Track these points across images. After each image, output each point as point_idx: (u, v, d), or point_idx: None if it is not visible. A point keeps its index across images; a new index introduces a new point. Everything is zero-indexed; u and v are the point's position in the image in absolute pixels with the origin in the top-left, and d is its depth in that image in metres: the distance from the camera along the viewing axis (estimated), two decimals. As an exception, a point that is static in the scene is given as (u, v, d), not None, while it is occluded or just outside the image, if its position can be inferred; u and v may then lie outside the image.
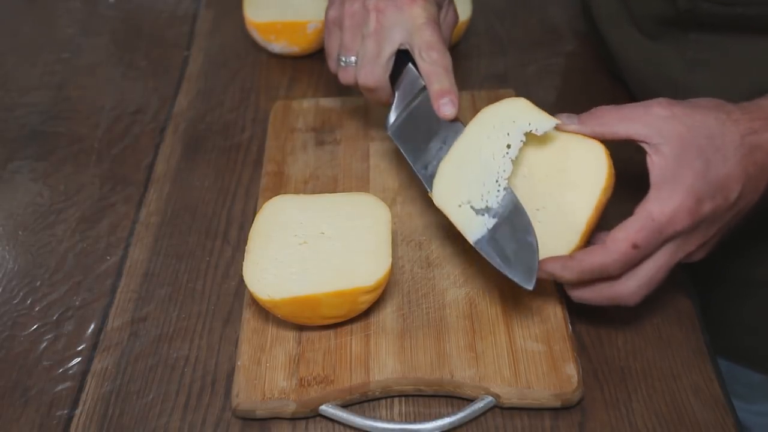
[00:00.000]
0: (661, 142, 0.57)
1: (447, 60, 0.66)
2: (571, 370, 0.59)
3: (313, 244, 0.63)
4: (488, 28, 0.96)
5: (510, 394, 0.58)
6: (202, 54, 0.94)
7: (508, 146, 0.60)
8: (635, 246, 0.56)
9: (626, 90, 0.86)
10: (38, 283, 0.70)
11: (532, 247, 0.57)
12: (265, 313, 0.63)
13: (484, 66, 0.91)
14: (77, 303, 0.69)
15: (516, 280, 0.57)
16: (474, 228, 0.59)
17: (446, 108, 0.65)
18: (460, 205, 0.60)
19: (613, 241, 0.56)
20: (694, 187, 0.56)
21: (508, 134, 0.61)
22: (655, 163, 0.57)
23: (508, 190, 0.59)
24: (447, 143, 0.64)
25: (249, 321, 0.64)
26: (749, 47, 0.69)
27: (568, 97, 0.87)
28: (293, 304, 0.59)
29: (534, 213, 0.60)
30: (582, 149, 0.60)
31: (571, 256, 0.58)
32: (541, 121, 0.60)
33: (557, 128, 0.61)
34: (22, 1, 1.06)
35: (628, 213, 0.56)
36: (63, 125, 0.86)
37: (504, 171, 0.60)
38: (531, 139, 0.61)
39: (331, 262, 0.61)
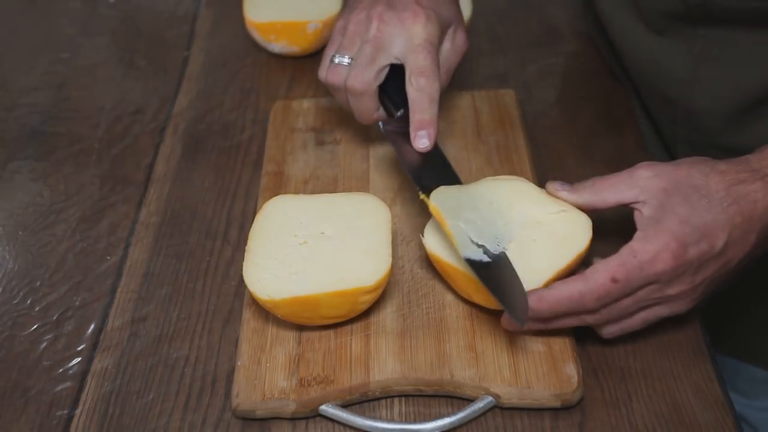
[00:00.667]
0: (646, 198, 0.58)
1: (434, 88, 0.65)
2: (571, 370, 0.59)
3: (313, 244, 0.63)
4: (488, 28, 0.96)
5: (510, 394, 0.58)
6: (202, 54, 0.94)
7: (511, 219, 0.62)
8: (614, 280, 0.55)
9: (626, 90, 0.86)
10: (38, 283, 0.70)
11: (523, 288, 0.57)
12: (265, 313, 0.63)
13: (484, 66, 0.91)
14: (77, 303, 0.69)
15: (511, 315, 0.56)
16: (467, 248, 0.59)
17: (421, 141, 0.65)
18: (458, 225, 0.60)
19: (592, 273, 0.56)
20: (679, 230, 0.56)
21: (511, 207, 0.62)
22: (641, 215, 0.58)
23: (504, 253, 0.60)
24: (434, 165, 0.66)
25: (249, 321, 0.64)
26: (758, 42, 0.69)
27: (568, 97, 0.87)
28: (293, 304, 0.59)
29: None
30: (569, 215, 0.62)
31: (548, 287, 0.57)
32: (547, 204, 0.62)
33: (549, 193, 0.63)
34: (22, 1, 1.06)
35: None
36: (63, 125, 0.86)
37: (505, 236, 0.61)
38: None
39: (331, 262, 0.61)
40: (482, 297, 0.60)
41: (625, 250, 0.56)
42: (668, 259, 0.55)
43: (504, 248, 0.60)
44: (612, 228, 0.67)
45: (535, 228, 0.61)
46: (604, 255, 0.60)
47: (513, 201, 0.63)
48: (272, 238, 0.63)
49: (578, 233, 0.61)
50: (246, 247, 0.63)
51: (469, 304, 0.63)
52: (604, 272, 0.56)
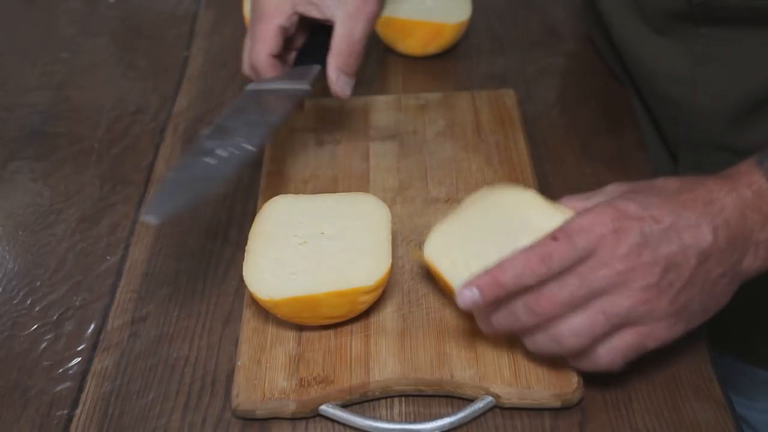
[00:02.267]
0: (605, 199, 0.57)
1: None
2: (571, 370, 0.59)
3: (313, 244, 0.63)
4: (488, 28, 0.96)
5: (510, 394, 0.58)
6: (202, 54, 0.94)
7: (516, 233, 0.60)
8: (554, 237, 0.53)
9: (626, 90, 0.86)
10: (38, 283, 0.70)
11: None
12: (265, 313, 0.63)
13: (484, 66, 0.91)
14: (77, 303, 0.69)
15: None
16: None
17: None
18: (454, 262, 0.59)
19: (533, 243, 0.54)
20: (620, 202, 0.54)
21: (516, 220, 0.61)
22: None
23: None
24: None
25: (249, 321, 0.64)
26: (760, 42, 0.69)
27: (568, 97, 0.87)
28: (293, 304, 0.59)
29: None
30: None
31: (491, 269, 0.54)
32: (552, 214, 0.60)
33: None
34: (22, 1, 1.06)
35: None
36: (63, 125, 0.86)
37: (509, 249, 0.57)
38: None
39: (331, 262, 0.61)
40: None
41: (563, 222, 0.54)
42: (607, 221, 0.52)
43: None
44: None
45: (537, 236, 0.60)
46: None
47: (517, 213, 0.61)
48: (272, 238, 0.63)
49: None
50: (246, 247, 0.63)
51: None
52: (543, 238, 0.53)
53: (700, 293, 0.54)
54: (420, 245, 0.61)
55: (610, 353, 0.54)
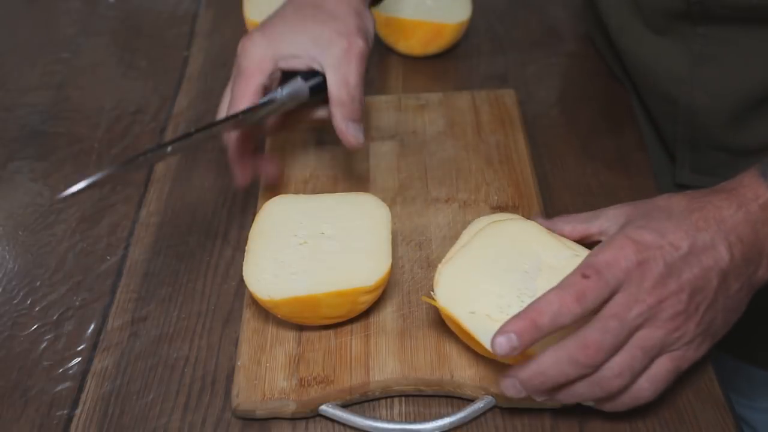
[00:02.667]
0: (610, 225, 0.59)
1: None
2: (571, 370, 0.59)
3: (313, 244, 0.63)
4: (488, 28, 0.96)
5: (510, 394, 0.58)
6: (202, 54, 0.94)
7: (525, 267, 0.60)
8: (584, 275, 0.52)
9: (626, 90, 0.86)
10: (38, 283, 0.70)
11: None
12: (265, 313, 0.63)
13: (484, 66, 0.91)
14: (77, 303, 0.69)
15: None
16: (493, 334, 0.55)
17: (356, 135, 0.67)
18: (473, 312, 0.58)
19: (563, 281, 0.53)
20: (635, 233, 0.54)
21: (522, 253, 0.60)
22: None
23: None
24: None
25: (249, 321, 0.64)
26: (758, 42, 0.69)
27: (568, 97, 0.87)
28: (293, 304, 0.59)
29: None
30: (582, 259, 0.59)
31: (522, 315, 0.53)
32: (556, 248, 0.60)
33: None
34: (22, 1, 1.06)
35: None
36: (63, 125, 0.86)
37: (528, 289, 0.58)
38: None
39: (331, 262, 0.61)
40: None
41: (585, 258, 0.54)
42: (630, 254, 0.52)
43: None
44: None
45: (551, 274, 0.59)
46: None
47: (524, 249, 0.60)
48: (272, 238, 0.63)
49: None
50: (246, 247, 0.63)
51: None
52: (573, 276, 0.53)
53: (723, 310, 0.55)
54: (430, 291, 0.59)
55: (652, 384, 0.55)
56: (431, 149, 0.77)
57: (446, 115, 0.81)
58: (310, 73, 0.67)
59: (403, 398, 0.60)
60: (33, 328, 0.67)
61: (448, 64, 0.91)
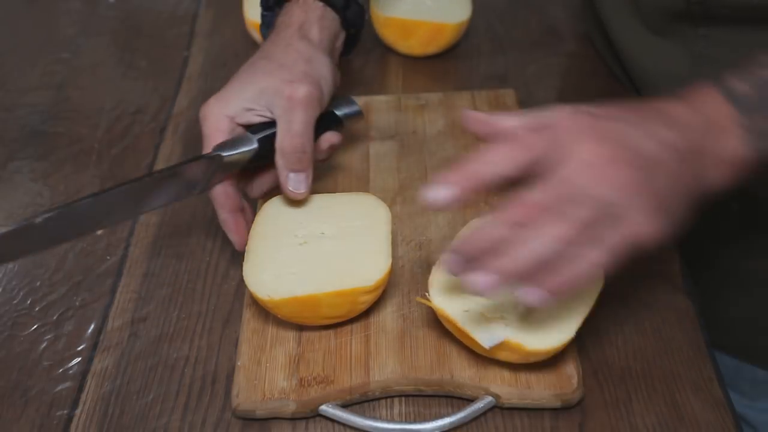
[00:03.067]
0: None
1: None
2: (571, 370, 0.59)
3: (313, 244, 0.63)
4: (488, 28, 0.96)
5: (510, 394, 0.58)
6: (202, 54, 0.94)
7: None
8: (535, 130, 0.52)
9: (626, 90, 0.86)
10: (38, 283, 0.70)
11: None
12: (265, 313, 0.63)
13: (484, 66, 0.91)
14: (77, 303, 0.69)
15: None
16: (488, 331, 0.56)
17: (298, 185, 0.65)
18: (467, 311, 0.58)
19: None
20: (586, 108, 0.53)
21: None
22: None
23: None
24: None
25: (249, 321, 0.64)
26: (758, 42, 0.69)
27: (568, 97, 0.87)
28: (293, 304, 0.59)
29: None
30: None
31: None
32: None
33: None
34: (22, 1, 1.06)
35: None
36: (63, 125, 0.86)
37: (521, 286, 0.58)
38: None
39: (331, 263, 0.61)
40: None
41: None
42: (584, 120, 0.52)
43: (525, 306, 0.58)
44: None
45: None
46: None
47: None
48: (272, 238, 0.63)
49: None
50: (246, 247, 0.63)
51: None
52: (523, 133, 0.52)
53: (676, 191, 0.53)
54: (425, 292, 0.59)
55: (600, 253, 0.50)
56: (431, 149, 0.77)
57: (446, 115, 0.81)
58: (268, 124, 0.66)
59: (403, 398, 0.60)
60: (33, 328, 0.67)
61: (448, 64, 0.91)
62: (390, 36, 0.90)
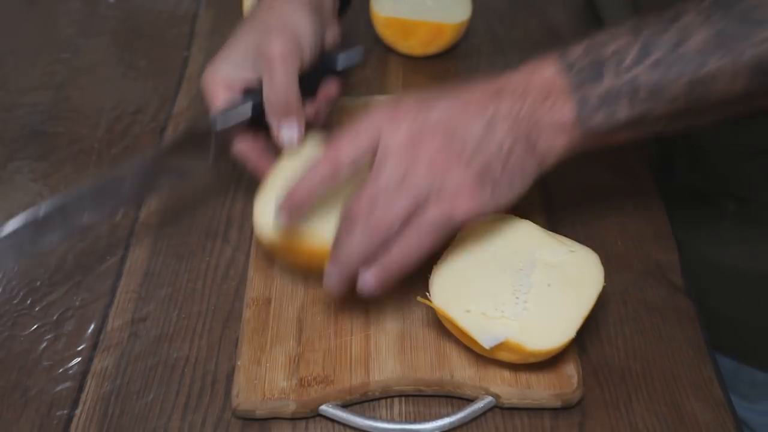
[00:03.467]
0: None
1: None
2: (571, 370, 0.59)
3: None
4: (488, 29, 0.96)
5: (510, 394, 0.58)
6: (202, 54, 0.94)
7: (520, 265, 0.60)
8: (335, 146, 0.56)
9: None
10: (38, 283, 0.70)
11: None
12: (265, 313, 0.63)
13: (484, 66, 0.91)
14: (77, 303, 0.69)
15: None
16: (486, 332, 0.57)
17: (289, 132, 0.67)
18: (468, 311, 0.58)
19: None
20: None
21: (517, 251, 0.61)
22: None
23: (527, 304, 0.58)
24: None
25: (249, 321, 0.64)
26: None
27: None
28: (299, 247, 0.61)
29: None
30: (578, 255, 0.61)
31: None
32: (551, 245, 0.61)
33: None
34: (22, 2, 1.06)
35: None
36: (63, 125, 0.86)
37: (522, 286, 0.59)
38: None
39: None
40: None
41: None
42: (382, 112, 0.56)
43: (525, 301, 0.58)
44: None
45: (546, 271, 0.60)
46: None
47: (520, 248, 0.61)
48: (288, 178, 0.62)
49: (591, 272, 0.60)
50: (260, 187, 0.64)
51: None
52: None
53: (502, 164, 0.55)
54: (426, 291, 0.59)
55: (418, 231, 0.54)
56: (431, 149, 0.77)
57: (446, 115, 0.81)
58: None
59: (403, 398, 0.60)
60: (33, 328, 0.67)
61: (448, 64, 0.91)
62: (390, 36, 0.90)
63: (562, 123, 0.57)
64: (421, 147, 0.54)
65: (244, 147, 0.69)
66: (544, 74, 0.57)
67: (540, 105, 0.56)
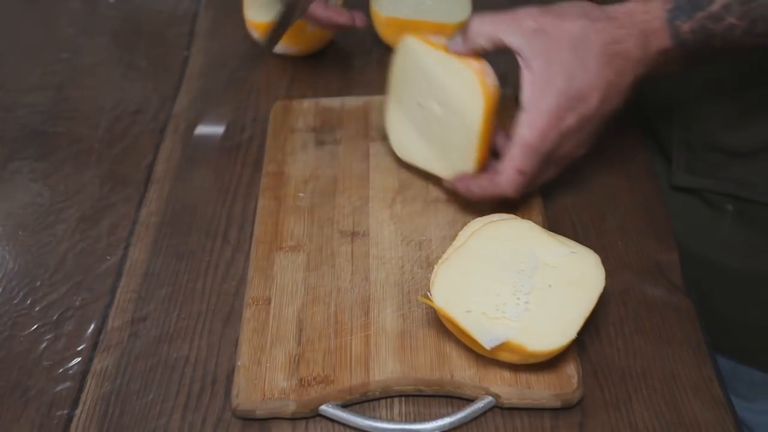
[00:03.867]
0: (530, 57, 0.62)
1: None
2: (571, 370, 0.59)
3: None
4: (488, 28, 0.96)
5: (510, 394, 0.58)
6: (202, 54, 0.94)
7: (521, 266, 0.60)
8: (522, 172, 0.64)
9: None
10: (38, 283, 0.70)
11: None
12: (265, 313, 0.63)
13: (484, 66, 0.90)
14: (77, 303, 0.69)
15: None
16: (487, 333, 0.57)
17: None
18: (469, 311, 0.58)
19: (502, 173, 0.65)
20: (557, 105, 0.62)
21: (518, 252, 0.61)
22: (525, 80, 0.63)
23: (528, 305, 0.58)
24: None
25: (249, 321, 0.64)
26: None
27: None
28: None
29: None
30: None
31: (477, 181, 0.67)
32: (552, 246, 0.61)
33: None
34: (22, 1, 1.06)
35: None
36: (63, 125, 0.86)
37: (524, 287, 0.59)
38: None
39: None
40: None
41: (519, 140, 0.63)
42: (554, 134, 0.63)
43: (526, 302, 0.58)
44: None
45: (547, 272, 0.60)
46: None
47: (521, 247, 0.61)
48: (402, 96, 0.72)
49: (592, 273, 0.60)
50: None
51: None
52: (511, 169, 0.64)
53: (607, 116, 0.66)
54: (427, 291, 0.59)
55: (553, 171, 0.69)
56: (431, 149, 0.77)
57: (446, 115, 0.81)
58: None
59: (403, 398, 0.60)
60: (33, 328, 0.67)
61: (448, 64, 0.91)
62: (390, 36, 0.90)
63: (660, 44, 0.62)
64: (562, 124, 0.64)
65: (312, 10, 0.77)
66: (661, 45, 0.63)
67: (653, 71, 0.65)
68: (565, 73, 0.62)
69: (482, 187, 0.66)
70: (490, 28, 0.64)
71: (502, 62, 0.91)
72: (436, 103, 0.69)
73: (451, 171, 0.70)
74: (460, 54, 0.66)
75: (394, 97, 0.74)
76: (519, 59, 0.63)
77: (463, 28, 0.66)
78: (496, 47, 0.64)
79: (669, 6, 0.61)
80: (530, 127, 0.63)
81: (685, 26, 0.61)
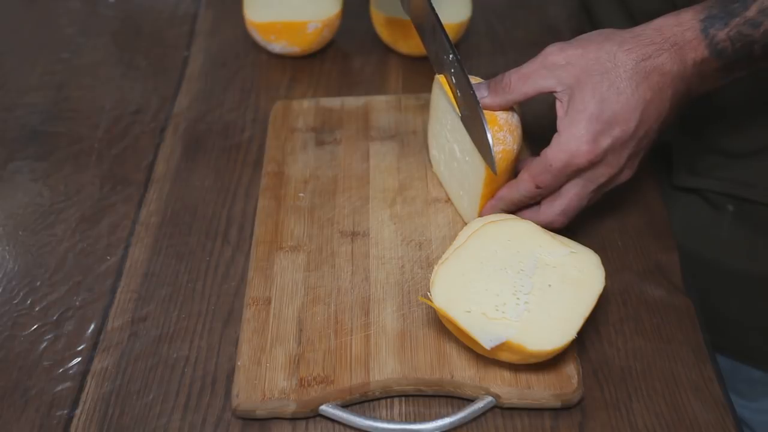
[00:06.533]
0: (562, 90, 0.62)
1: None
2: (571, 370, 0.59)
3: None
4: (488, 28, 0.96)
5: (510, 394, 0.58)
6: (202, 54, 0.94)
7: (521, 266, 0.60)
8: (538, 186, 0.63)
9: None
10: (38, 283, 0.70)
11: None
12: (265, 313, 0.63)
13: (484, 66, 0.91)
14: (77, 303, 0.69)
15: None
16: (487, 332, 0.57)
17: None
18: (469, 312, 0.58)
19: (520, 180, 0.64)
20: (589, 129, 0.60)
21: (518, 252, 0.61)
22: (559, 110, 0.62)
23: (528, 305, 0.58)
24: None
25: (249, 321, 0.64)
26: None
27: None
28: None
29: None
30: (579, 256, 0.62)
31: (496, 196, 0.66)
32: (552, 246, 0.61)
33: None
34: (22, 1, 1.06)
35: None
36: (63, 125, 0.86)
37: (523, 287, 0.59)
38: None
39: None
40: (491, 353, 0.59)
41: (542, 158, 0.62)
42: (583, 157, 0.61)
43: (526, 302, 0.58)
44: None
45: (547, 272, 0.60)
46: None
47: (521, 248, 0.61)
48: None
49: (592, 273, 0.60)
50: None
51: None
52: (528, 181, 0.63)
53: (653, 135, 0.64)
54: (427, 291, 0.60)
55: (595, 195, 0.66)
56: (431, 149, 0.77)
57: (446, 115, 0.81)
58: None
59: (403, 398, 0.60)
60: (33, 328, 0.67)
61: (448, 64, 0.91)
62: (390, 36, 0.90)
63: (696, 56, 0.61)
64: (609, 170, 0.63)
65: None
66: (697, 57, 0.61)
67: (692, 85, 0.63)
68: (597, 98, 0.60)
69: (503, 199, 0.66)
70: (522, 86, 0.64)
71: (502, 63, 0.91)
72: (456, 144, 0.68)
73: (462, 207, 0.70)
74: (490, 109, 0.65)
75: (434, 112, 0.72)
76: (555, 94, 0.62)
77: (494, 81, 0.65)
78: (531, 98, 0.64)
79: (702, 15, 0.60)
80: (558, 147, 0.61)
81: (721, 34, 0.59)
